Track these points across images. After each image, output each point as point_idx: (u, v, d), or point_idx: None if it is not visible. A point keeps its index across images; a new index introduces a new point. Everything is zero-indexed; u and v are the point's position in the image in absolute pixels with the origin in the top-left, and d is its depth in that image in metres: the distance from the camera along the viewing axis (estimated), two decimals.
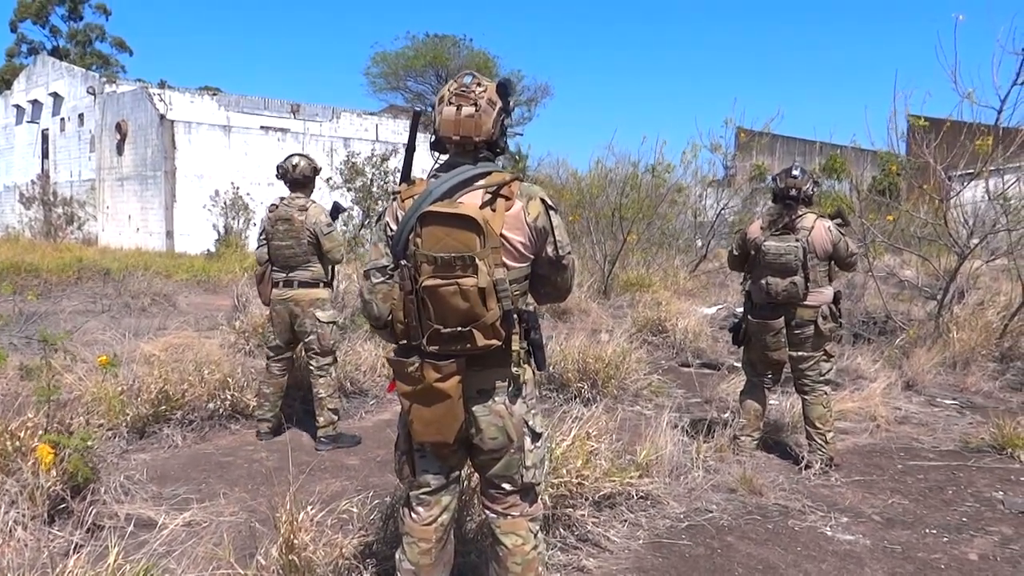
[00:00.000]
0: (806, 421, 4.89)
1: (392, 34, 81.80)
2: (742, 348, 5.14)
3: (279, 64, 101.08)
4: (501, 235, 2.35)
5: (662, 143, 13.82)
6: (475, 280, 2.26)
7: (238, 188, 21.30)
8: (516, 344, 2.43)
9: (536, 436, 2.55)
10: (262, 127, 24.03)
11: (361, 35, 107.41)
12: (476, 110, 2.40)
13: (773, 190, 4.89)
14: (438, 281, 2.29)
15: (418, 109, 2.73)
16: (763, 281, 4.73)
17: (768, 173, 14.66)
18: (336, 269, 5.31)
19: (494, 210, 2.35)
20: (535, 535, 2.60)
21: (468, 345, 2.33)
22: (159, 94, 22.74)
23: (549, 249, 2.47)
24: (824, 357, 4.87)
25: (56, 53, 37.66)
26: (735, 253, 5.02)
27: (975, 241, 8.11)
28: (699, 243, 15.96)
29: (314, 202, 5.07)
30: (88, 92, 24.85)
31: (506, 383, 2.47)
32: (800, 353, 4.81)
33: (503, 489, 2.57)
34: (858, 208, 9.90)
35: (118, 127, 23.42)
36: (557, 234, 2.46)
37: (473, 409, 2.46)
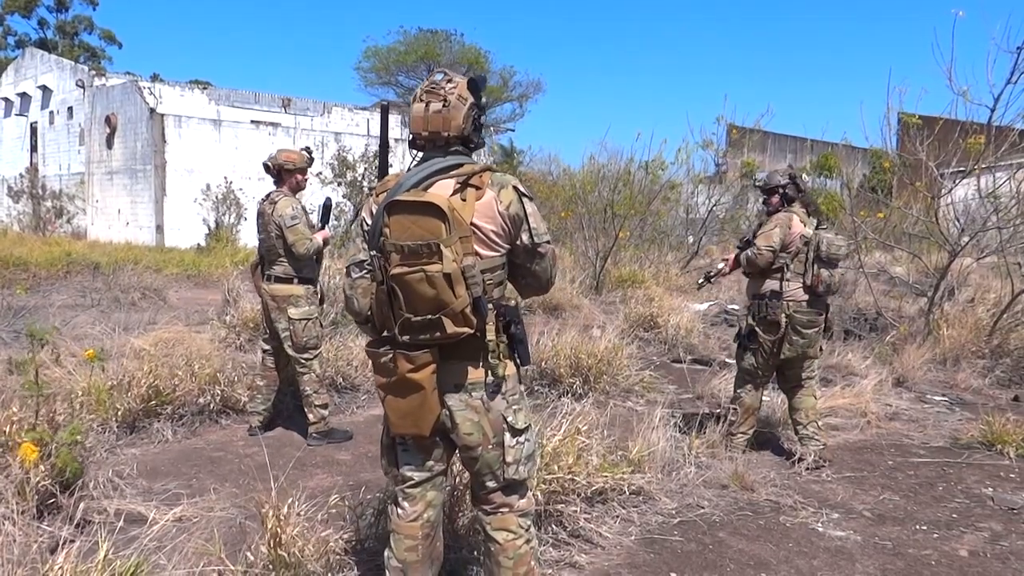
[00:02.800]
0: (797, 414, 4.90)
1: (384, 28, 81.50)
2: (749, 350, 4.92)
3: (270, 58, 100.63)
4: (472, 224, 2.36)
5: (663, 141, 13.81)
6: (440, 266, 2.26)
7: (231, 183, 21.20)
8: (491, 334, 2.42)
9: (517, 432, 2.52)
10: (253, 121, 23.88)
11: (353, 29, 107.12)
12: (444, 106, 2.43)
13: (799, 186, 4.90)
14: (405, 269, 2.31)
15: (385, 103, 2.72)
16: (823, 273, 4.68)
17: (759, 170, 14.68)
18: (322, 264, 5.25)
19: (464, 199, 2.36)
20: (527, 529, 2.60)
21: (438, 333, 2.32)
22: (149, 87, 22.58)
23: (524, 237, 2.47)
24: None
25: (44, 45, 37.35)
26: (775, 250, 4.75)
27: (966, 239, 8.14)
28: (691, 239, 15.99)
29: (286, 195, 4.99)
30: (77, 85, 24.64)
31: (483, 377, 2.45)
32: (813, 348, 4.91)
33: (487, 486, 2.56)
34: (849, 205, 9.93)
35: (107, 120, 23.23)
36: (531, 221, 2.46)
37: (449, 404, 2.45)
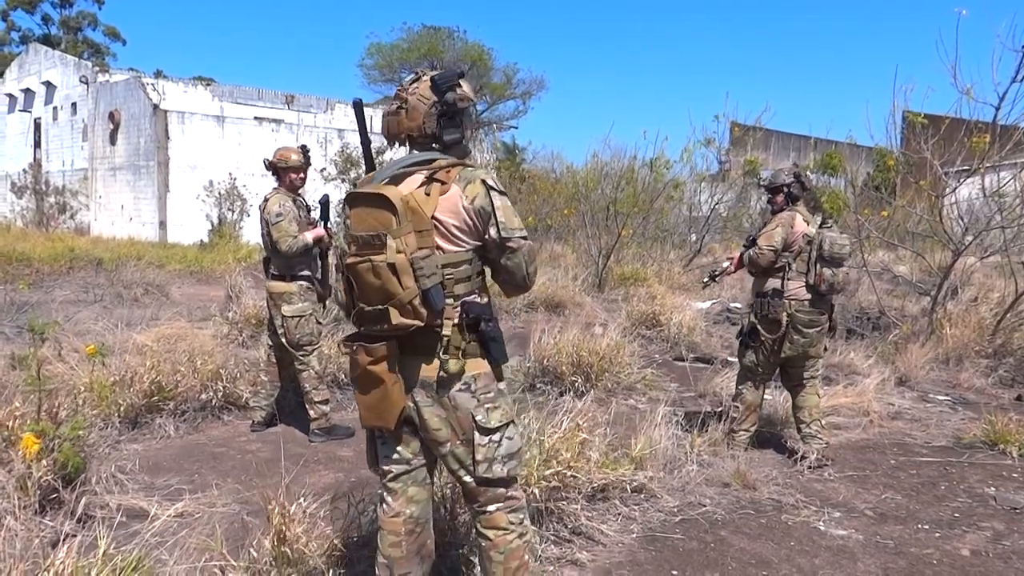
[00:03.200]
0: (800, 413, 4.89)
1: (387, 25, 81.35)
2: (750, 348, 4.93)
3: (273, 54, 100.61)
4: (434, 218, 2.39)
5: (665, 139, 13.82)
6: (384, 256, 2.33)
7: (235, 179, 21.21)
8: (448, 330, 2.42)
9: (487, 431, 2.50)
10: (256, 118, 23.89)
11: (356, 26, 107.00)
12: (400, 108, 2.52)
13: (804, 185, 4.90)
14: (356, 259, 2.40)
15: (358, 100, 2.73)
16: (826, 272, 4.69)
17: (762, 168, 14.65)
18: (327, 261, 5.21)
19: (428, 194, 2.40)
20: (519, 524, 2.59)
21: (385, 325, 2.36)
22: (152, 83, 22.59)
23: (492, 231, 2.45)
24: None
25: (47, 41, 37.32)
26: (777, 250, 4.77)
27: (970, 238, 8.13)
28: (693, 237, 15.97)
29: (278, 193, 5.04)
30: (81, 81, 24.67)
31: (442, 373, 2.45)
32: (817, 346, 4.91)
33: (464, 481, 2.57)
34: (853, 204, 9.91)
35: (111, 116, 23.26)
36: (499, 215, 2.44)
37: (416, 399, 2.48)
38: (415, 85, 2.53)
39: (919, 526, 3.99)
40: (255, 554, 2.96)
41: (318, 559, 2.97)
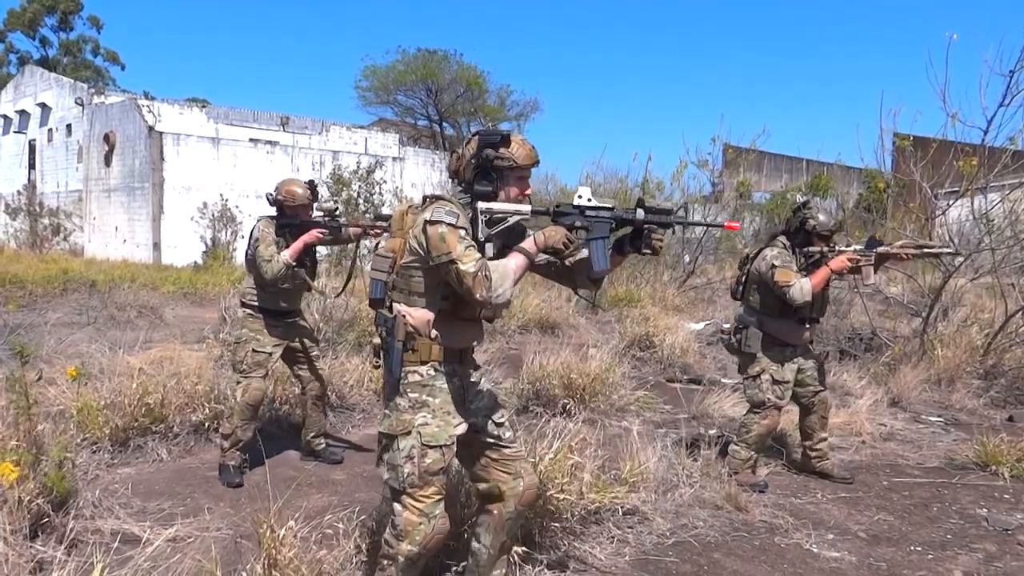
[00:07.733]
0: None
1: (382, 48, 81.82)
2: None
3: (269, 77, 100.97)
4: (409, 232, 2.74)
5: (648, 160, 13.84)
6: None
7: (227, 200, 21.23)
8: (374, 326, 2.82)
9: (381, 433, 2.76)
10: (251, 139, 23.95)
11: (351, 49, 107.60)
12: (454, 152, 2.89)
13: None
14: None
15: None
16: None
17: (755, 190, 14.73)
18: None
19: (416, 215, 2.77)
20: (388, 526, 2.78)
21: None
22: (147, 105, 22.66)
23: (430, 260, 2.66)
24: None
25: (46, 64, 37.43)
26: None
27: (960, 259, 8.18)
28: (687, 259, 16.01)
29: (261, 218, 4.85)
30: (76, 103, 24.74)
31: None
32: None
33: None
34: (844, 225, 9.97)
35: (106, 138, 23.30)
36: (430, 243, 2.63)
37: None
38: (474, 137, 2.85)
39: (912, 548, 4.00)
40: None
41: None
